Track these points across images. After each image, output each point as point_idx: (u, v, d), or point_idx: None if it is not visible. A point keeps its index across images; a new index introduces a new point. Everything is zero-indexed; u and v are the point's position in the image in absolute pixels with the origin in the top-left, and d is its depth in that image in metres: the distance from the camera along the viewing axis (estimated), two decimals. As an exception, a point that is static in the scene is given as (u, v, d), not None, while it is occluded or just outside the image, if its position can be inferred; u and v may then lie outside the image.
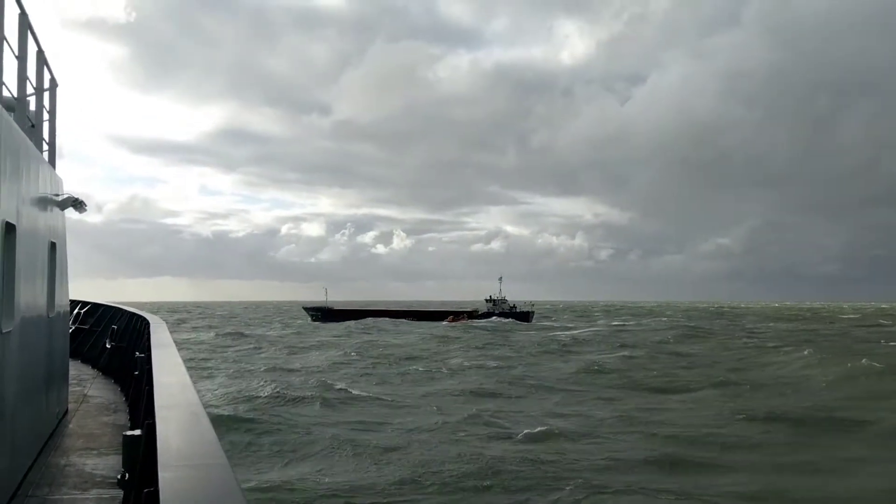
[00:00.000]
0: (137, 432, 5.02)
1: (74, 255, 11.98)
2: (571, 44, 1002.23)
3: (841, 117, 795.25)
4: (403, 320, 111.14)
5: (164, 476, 2.72)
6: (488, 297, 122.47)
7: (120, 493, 6.65)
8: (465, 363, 43.74)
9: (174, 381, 5.27)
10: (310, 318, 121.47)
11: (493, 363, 43.92)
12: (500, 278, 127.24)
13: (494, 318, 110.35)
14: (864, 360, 38.93)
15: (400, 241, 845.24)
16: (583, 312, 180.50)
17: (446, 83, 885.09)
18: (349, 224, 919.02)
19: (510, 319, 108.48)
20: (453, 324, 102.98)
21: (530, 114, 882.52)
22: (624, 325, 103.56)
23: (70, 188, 11.44)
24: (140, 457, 4.51)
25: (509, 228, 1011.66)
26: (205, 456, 3.06)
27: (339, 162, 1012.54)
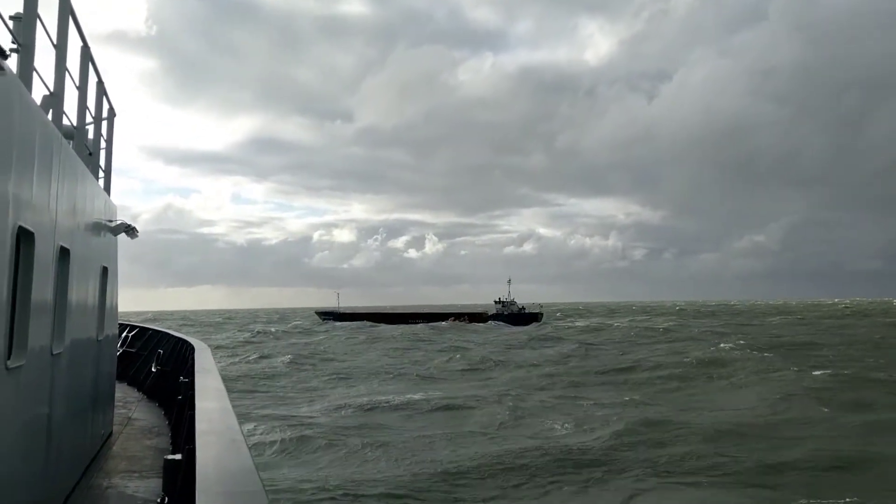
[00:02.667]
0: (178, 457, 5.12)
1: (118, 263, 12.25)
2: (595, 43, 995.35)
3: (873, 114, 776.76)
4: (398, 323, 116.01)
5: (201, 501, 2.76)
6: (497, 300, 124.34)
7: None
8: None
9: (215, 406, 5.35)
10: (321, 320, 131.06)
11: (387, 359, 54.66)
12: (509, 280, 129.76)
13: (491, 322, 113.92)
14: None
15: (432, 246, 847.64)
16: (586, 313, 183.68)
17: (470, 87, 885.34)
18: (381, 229, 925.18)
19: (502, 323, 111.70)
20: (452, 323, 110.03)
21: (557, 115, 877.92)
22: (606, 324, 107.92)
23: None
24: (179, 481, 4.61)
25: (542, 230, 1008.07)
26: (242, 483, 3.10)
27: (369, 168, 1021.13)
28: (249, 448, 3.90)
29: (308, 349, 65.67)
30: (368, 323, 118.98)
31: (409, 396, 32.89)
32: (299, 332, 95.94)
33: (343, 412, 29.23)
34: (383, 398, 32.46)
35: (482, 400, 31.54)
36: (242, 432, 4.39)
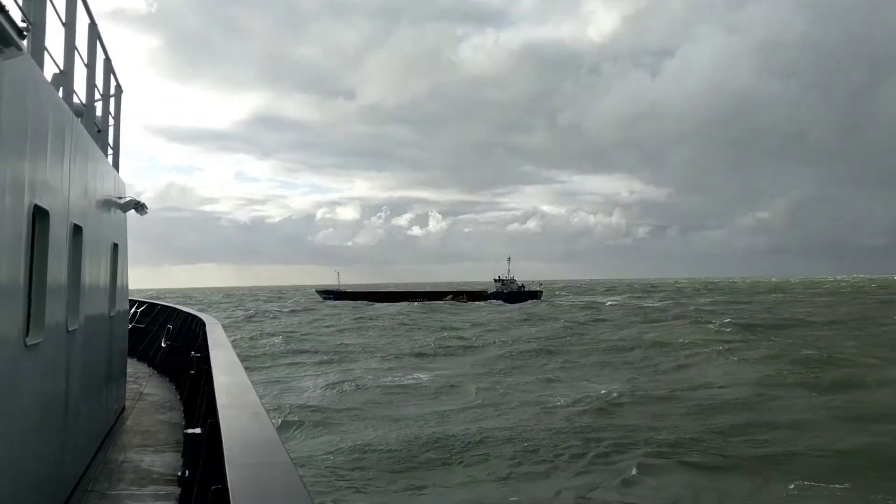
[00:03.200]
0: (198, 430, 5.18)
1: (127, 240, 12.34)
2: (598, 19, 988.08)
3: (880, 90, 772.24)
4: (397, 301, 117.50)
5: (233, 474, 2.79)
6: (497, 278, 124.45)
7: (176, 489, 6.85)
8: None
9: (234, 381, 5.41)
10: (321, 298, 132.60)
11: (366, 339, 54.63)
12: (509, 259, 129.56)
13: (492, 300, 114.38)
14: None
15: (436, 223, 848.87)
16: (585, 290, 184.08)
17: (474, 64, 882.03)
18: (385, 207, 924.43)
19: (501, 301, 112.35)
20: (451, 302, 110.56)
21: (560, 92, 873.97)
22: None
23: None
24: (202, 455, 4.65)
25: (546, 208, 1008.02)
26: (269, 455, 3.14)
27: (373, 146, 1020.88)
28: (272, 421, 3.95)
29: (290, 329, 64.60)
30: (365, 301, 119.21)
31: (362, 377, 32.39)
32: (287, 313, 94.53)
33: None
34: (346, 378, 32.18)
35: (430, 384, 31.07)
36: (261, 403, 4.44)
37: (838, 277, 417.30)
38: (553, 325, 60.95)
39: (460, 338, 51.85)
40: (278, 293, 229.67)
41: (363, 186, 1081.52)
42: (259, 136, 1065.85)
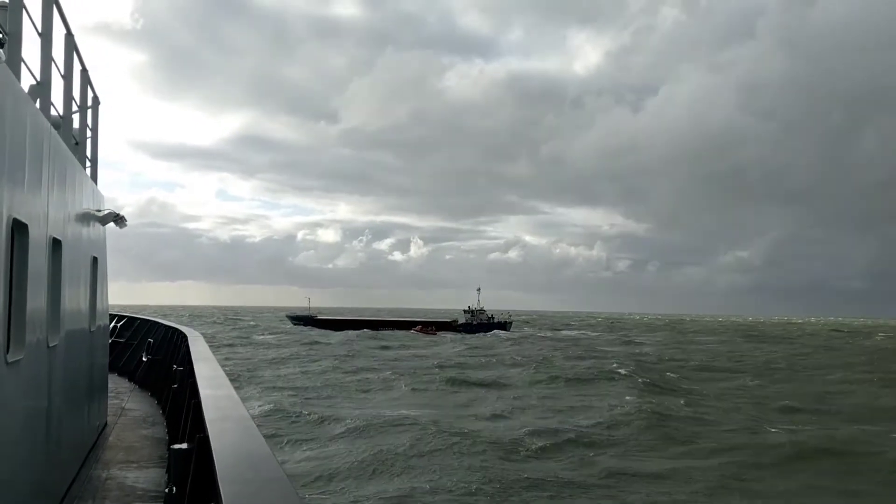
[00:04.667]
0: (185, 446, 5.04)
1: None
2: (584, 54, 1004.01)
3: (860, 131, 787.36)
4: (366, 330, 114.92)
5: (227, 490, 2.68)
6: (467, 308, 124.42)
7: None
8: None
9: (221, 394, 5.28)
10: (292, 324, 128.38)
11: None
12: (479, 289, 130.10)
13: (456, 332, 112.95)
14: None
15: (417, 249, 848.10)
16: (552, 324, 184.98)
17: (459, 92, 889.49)
18: (367, 231, 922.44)
19: (462, 333, 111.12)
20: (418, 332, 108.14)
21: (545, 124, 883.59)
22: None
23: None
24: (191, 471, 4.49)
25: (528, 238, 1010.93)
26: (263, 470, 3.04)
27: (358, 169, 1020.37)
28: (263, 434, 3.82)
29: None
30: (330, 330, 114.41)
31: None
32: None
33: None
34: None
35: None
36: (251, 416, 4.32)
37: (812, 320, 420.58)
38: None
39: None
40: (253, 314, 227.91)
41: (345, 210, 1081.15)
42: (243, 155, 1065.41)
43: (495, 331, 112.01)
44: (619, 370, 49.35)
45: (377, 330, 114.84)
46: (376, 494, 18.57)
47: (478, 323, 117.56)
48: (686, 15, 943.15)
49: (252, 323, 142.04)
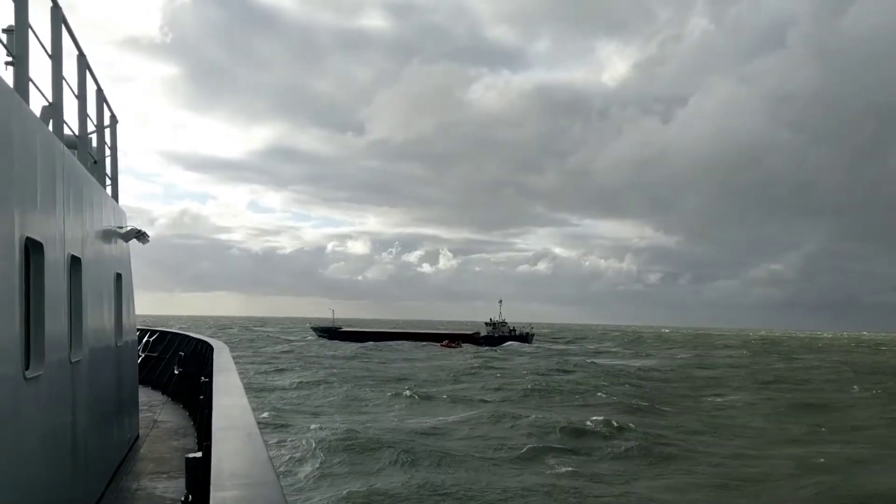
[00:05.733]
0: (198, 454, 5.14)
1: (132, 268, 12.34)
2: (612, 65, 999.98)
3: (892, 144, 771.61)
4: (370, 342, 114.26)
5: (216, 496, 2.78)
6: (489, 321, 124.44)
7: None
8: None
9: (232, 403, 5.39)
10: (316, 336, 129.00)
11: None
12: (500, 301, 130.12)
13: (509, 342, 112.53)
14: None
15: (446, 261, 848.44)
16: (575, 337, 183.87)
17: (487, 104, 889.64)
18: (396, 243, 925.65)
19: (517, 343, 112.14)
20: (446, 347, 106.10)
21: (572, 135, 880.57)
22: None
23: (128, 202, 11.76)
24: (201, 478, 4.59)
25: (557, 250, 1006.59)
26: (256, 475, 3.14)
27: (386, 181, 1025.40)
28: (265, 441, 3.96)
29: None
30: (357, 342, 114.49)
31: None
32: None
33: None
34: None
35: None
36: (258, 427, 4.43)
37: (845, 334, 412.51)
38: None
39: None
40: (282, 325, 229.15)
41: (375, 221, 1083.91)
42: (274, 167, 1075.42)
43: (510, 343, 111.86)
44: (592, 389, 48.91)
45: (389, 342, 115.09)
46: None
47: (499, 335, 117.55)
48: (714, 25, 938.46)
49: (270, 334, 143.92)
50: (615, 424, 32.10)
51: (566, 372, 61.65)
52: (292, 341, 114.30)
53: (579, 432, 30.80)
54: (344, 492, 20.26)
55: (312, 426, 30.12)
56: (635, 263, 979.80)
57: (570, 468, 24.45)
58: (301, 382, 48.49)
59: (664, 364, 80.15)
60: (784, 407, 42.31)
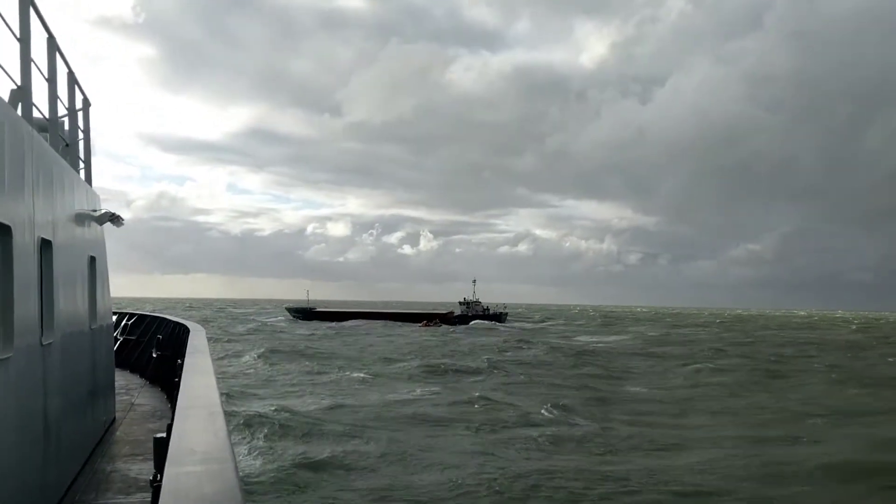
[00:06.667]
0: (163, 434, 5.36)
1: (109, 250, 12.29)
2: (590, 45, 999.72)
3: (868, 125, 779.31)
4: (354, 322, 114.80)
5: (169, 472, 2.83)
6: (462, 300, 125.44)
7: None
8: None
9: (200, 383, 5.46)
10: (291, 316, 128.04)
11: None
12: (475, 281, 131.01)
13: (475, 321, 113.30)
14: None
15: (427, 243, 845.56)
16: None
17: (466, 85, 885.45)
18: (377, 224, 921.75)
19: (486, 321, 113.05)
20: (426, 327, 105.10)
21: (551, 117, 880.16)
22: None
23: (105, 184, 11.71)
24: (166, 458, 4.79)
25: (538, 231, 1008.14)
26: (211, 453, 3.17)
27: (366, 163, 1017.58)
28: (226, 420, 4.02)
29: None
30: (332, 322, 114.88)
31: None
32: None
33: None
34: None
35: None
36: (221, 405, 4.51)
37: (819, 312, 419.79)
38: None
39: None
40: (256, 306, 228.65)
41: (355, 203, 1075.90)
42: (252, 148, 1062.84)
43: (475, 321, 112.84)
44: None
45: (358, 321, 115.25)
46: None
47: (472, 315, 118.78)
48: (692, 5, 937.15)
49: (237, 313, 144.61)
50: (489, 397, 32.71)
51: (520, 349, 62.46)
52: (261, 321, 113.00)
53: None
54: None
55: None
56: (615, 244, 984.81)
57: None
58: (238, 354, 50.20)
59: (622, 340, 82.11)
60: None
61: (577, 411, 29.33)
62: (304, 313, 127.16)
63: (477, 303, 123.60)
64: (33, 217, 6.53)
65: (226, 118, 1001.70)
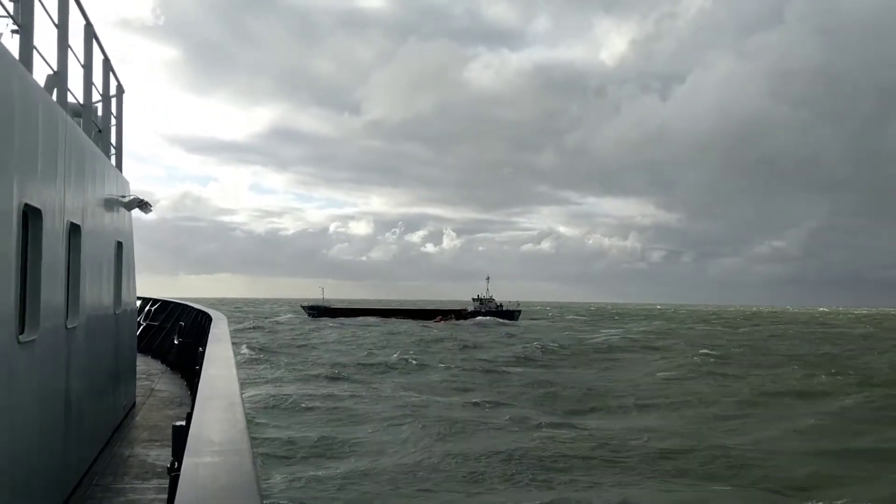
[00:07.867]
0: (182, 423, 5.32)
1: (135, 252, 12.33)
2: (610, 42, 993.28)
3: (893, 119, 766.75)
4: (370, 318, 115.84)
5: (188, 462, 2.84)
6: (476, 297, 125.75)
7: None
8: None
9: (220, 373, 5.47)
10: (306, 314, 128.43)
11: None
12: (488, 278, 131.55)
13: (479, 318, 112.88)
14: None
15: (450, 241, 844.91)
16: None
17: (486, 83, 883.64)
18: (400, 223, 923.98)
19: (490, 318, 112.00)
20: (438, 323, 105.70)
21: (571, 114, 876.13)
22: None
23: (131, 184, 11.70)
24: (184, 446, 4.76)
25: (561, 229, 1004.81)
26: (230, 444, 3.17)
27: (388, 162, 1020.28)
28: (245, 410, 4.00)
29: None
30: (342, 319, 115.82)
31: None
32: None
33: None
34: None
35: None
36: (241, 395, 4.49)
37: (848, 309, 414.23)
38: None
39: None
40: (275, 305, 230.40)
41: (378, 202, 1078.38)
42: (275, 148, 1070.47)
43: (479, 318, 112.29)
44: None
45: (384, 318, 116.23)
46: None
47: (485, 311, 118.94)
48: (711, 2, 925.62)
49: (248, 310, 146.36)
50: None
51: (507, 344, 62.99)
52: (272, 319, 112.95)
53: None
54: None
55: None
56: (639, 241, 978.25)
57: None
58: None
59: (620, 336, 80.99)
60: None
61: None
62: (318, 310, 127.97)
63: (490, 300, 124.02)
64: (63, 201, 6.59)
65: (249, 118, 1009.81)
